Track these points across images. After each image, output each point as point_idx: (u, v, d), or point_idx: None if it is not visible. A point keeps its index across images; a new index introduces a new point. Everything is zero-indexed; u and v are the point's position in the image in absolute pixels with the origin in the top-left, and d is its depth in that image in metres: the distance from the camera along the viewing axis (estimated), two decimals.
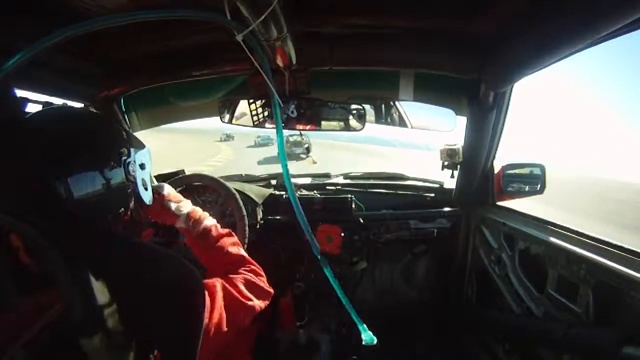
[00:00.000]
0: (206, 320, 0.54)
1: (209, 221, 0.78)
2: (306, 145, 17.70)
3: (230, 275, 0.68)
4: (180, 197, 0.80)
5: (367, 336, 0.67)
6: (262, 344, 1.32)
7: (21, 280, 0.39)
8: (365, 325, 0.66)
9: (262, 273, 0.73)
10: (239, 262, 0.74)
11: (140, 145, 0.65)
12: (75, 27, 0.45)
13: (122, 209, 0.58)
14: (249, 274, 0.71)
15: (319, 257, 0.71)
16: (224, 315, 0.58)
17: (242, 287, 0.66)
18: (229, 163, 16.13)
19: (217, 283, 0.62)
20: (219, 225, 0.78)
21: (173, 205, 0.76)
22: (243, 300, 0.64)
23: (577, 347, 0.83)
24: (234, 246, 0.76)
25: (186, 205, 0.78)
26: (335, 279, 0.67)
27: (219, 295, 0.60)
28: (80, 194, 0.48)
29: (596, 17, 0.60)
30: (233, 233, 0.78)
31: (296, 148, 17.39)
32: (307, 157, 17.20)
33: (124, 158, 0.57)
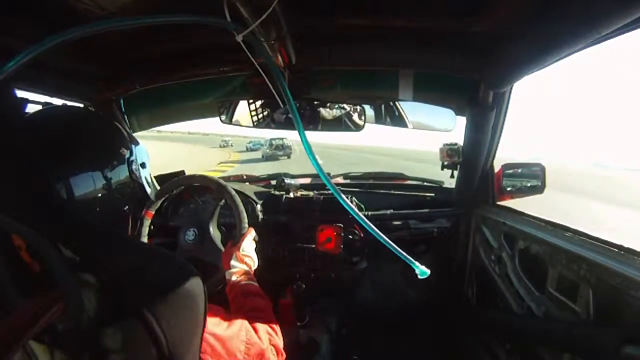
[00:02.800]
0: (222, 331, 0.56)
1: (248, 282, 0.88)
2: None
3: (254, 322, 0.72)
4: (245, 257, 0.94)
5: (420, 270, 0.66)
6: None
7: (22, 279, 0.39)
8: (416, 262, 0.66)
9: (278, 329, 0.77)
10: (261, 311, 0.79)
11: (137, 145, 0.65)
12: (77, 29, 0.45)
13: (127, 207, 0.58)
14: (268, 326, 0.75)
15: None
16: (236, 339, 0.60)
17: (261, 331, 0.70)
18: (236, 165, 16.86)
19: (240, 319, 0.66)
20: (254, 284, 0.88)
21: (234, 262, 0.91)
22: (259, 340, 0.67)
23: (578, 346, 0.83)
24: (260, 299, 0.83)
25: (241, 266, 0.92)
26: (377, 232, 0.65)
27: (238, 321, 0.64)
28: (82, 193, 0.49)
29: (596, 17, 0.60)
30: (263, 295, 0.85)
31: (277, 151, 18.20)
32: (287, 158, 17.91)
33: (127, 157, 0.58)
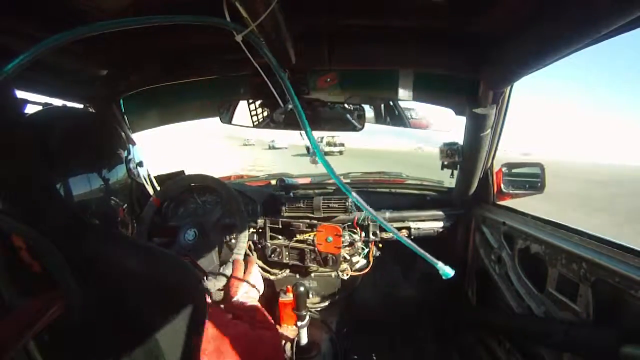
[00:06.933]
0: (224, 334, 0.57)
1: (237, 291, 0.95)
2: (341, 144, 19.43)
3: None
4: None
5: (443, 272, 0.65)
6: None
7: (22, 279, 0.39)
8: (439, 263, 0.64)
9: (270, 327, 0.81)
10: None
11: (134, 145, 0.65)
12: (77, 30, 0.45)
13: (125, 206, 0.59)
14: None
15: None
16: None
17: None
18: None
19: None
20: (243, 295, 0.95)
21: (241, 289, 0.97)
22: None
23: (578, 346, 0.83)
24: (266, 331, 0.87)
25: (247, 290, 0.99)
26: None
27: (241, 327, 0.66)
28: (81, 193, 0.49)
29: (596, 16, 0.60)
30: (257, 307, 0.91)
31: (333, 147, 19.65)
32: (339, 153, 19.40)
33: (125, 156, 0.58)
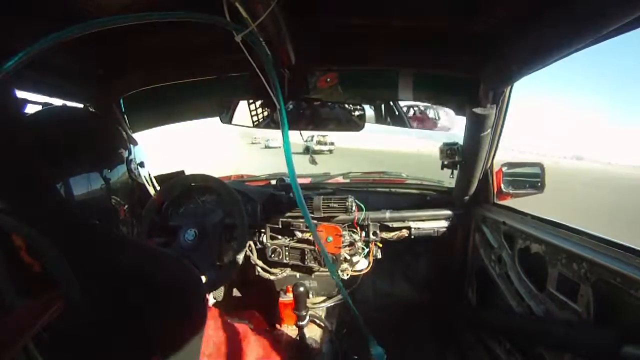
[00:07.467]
0: (222, 335, 0.56)
1: None
2: (331, 142, 19.49)
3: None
4: None
5: (376, 350, 0.65)
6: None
7: (22, 279, 0.39)
8: (374, 341, 0.65)
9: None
10: None
11: (135, 145, 0.65)
12: (76, 27, 0.46)
13: (126, 206, 0.59)
14: None
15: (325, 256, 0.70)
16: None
17: None
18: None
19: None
20: None
21: None
22: None
23: (578, 346, 0.83)
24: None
25: None
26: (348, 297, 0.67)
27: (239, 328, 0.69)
28: (82, 193, 0.49)
29: (596, 16, 0.60)
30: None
31: (323, 146, 19.61)
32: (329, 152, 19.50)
33: (125, 156, 0.58)
